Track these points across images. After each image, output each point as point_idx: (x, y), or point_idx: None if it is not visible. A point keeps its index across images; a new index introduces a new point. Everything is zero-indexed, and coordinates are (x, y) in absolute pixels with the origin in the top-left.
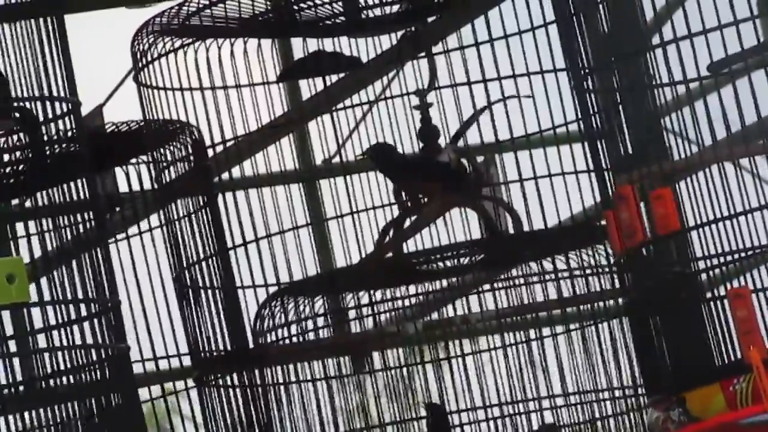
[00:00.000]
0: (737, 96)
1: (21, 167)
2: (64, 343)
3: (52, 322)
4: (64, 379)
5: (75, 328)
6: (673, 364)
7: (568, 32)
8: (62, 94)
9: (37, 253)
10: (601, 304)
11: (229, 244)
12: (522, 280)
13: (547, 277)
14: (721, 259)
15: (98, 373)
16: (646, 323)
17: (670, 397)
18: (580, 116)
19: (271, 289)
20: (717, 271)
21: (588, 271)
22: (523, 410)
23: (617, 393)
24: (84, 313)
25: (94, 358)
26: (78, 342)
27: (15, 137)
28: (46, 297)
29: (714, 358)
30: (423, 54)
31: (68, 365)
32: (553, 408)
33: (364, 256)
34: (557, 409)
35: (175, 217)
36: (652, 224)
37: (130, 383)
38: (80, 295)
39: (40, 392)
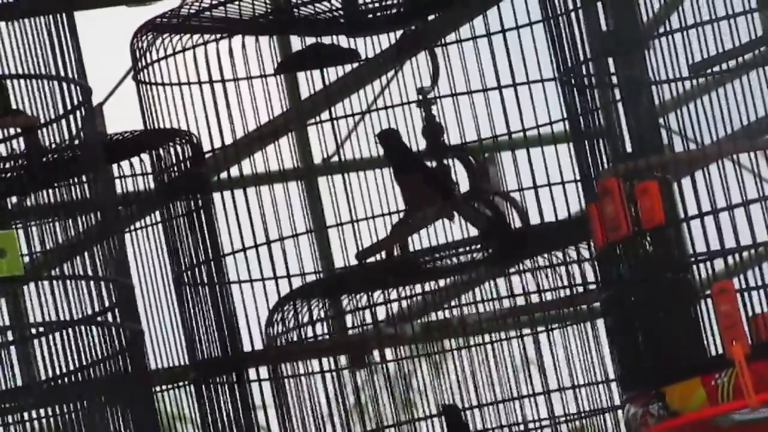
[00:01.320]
0: (721, 96)
1: (21, 165)
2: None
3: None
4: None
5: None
6: (653, 359)
7: (556, 30)
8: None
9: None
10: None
11: (228, 249)
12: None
13: (545, 274)
14: (707, 254)
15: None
16: (624, 317)
17: (649, 392)
18: (567, 114)
19: (269, 284)
20: (702, 266)
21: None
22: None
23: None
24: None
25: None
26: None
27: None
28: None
29: (695, 353)
30: (424, 50)
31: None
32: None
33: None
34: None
35: (174, 218)
36: (636, 218)
37: (142, 366)
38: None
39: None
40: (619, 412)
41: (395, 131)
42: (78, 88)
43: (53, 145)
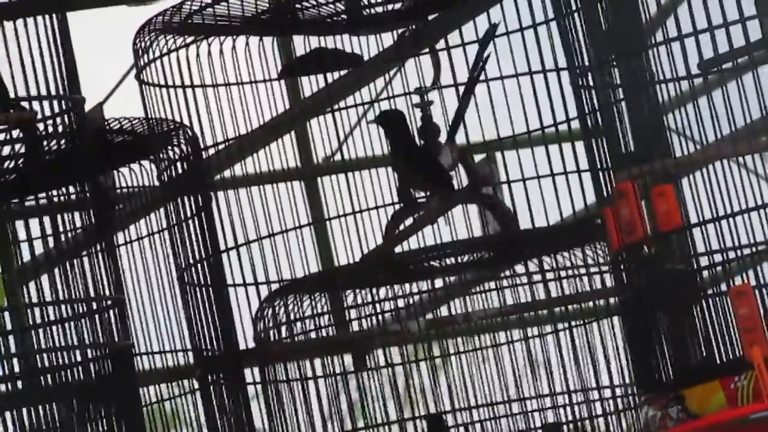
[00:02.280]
0: (732, 92)
1: (18, 165)
2: (67, 341)
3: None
4: (64, 376)
5: (79, 324)
6: (672, 362)
7: (566, 29)
8: (65, 92)
9: (38, 251)
10: (603, 301)
11: (231, 244)
12: (524, 278)
13: (549, 275)
14: (723, 256)
15: (100, 370)
16: (643, 320)
17: (668, 395)
18: (577, 113)
19: (272, 287)
20: (719, 268)
21: (591, 269)
22: (524, 409)
23: (619, 391)
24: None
25: (97, 355)
26: (78, 339)
27: (11, 135)
28: (50, 295)
29: (714, 356)
30: (425, 51)
31: (70, 362)
32: (554, 407)
33: (366, 252)
34: (558, 407)
35: (174, 217)
36: (652, 221)
37: (131, 380)
38: (83, 293)
39: (40, 391)
40: (622, 414)
41: (400, 113)
42: (68, 102)
43: (50, 147)
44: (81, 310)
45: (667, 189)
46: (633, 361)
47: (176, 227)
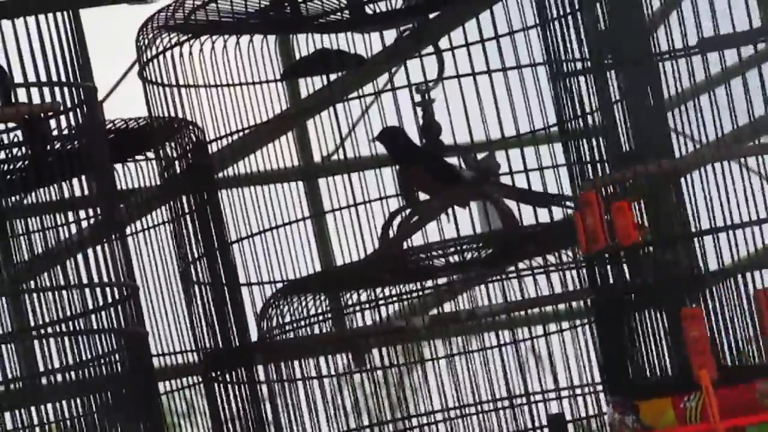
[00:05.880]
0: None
1: (26, 158)
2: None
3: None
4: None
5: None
6: (629, 372)
7: (550, 31)
8: (77, 80)
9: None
10: None
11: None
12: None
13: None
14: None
15: (118, 358)
16: (608, 325)
17: (627, 402)
18: (556, 112)
19: (270, 286)
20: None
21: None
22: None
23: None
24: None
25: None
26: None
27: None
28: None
29: (670, 369)
30: (427, 50)
31: (88, 353)
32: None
33: (366, 254)
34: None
35: (179, 213)
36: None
37: (148, 368)
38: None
39: (59, 384)
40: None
41: (399, 128)
42: (81, 89)
43: (56, 142)
44: (95, 297)
45: (625, 206)
46: (602, 362)
47: (180, 223)
